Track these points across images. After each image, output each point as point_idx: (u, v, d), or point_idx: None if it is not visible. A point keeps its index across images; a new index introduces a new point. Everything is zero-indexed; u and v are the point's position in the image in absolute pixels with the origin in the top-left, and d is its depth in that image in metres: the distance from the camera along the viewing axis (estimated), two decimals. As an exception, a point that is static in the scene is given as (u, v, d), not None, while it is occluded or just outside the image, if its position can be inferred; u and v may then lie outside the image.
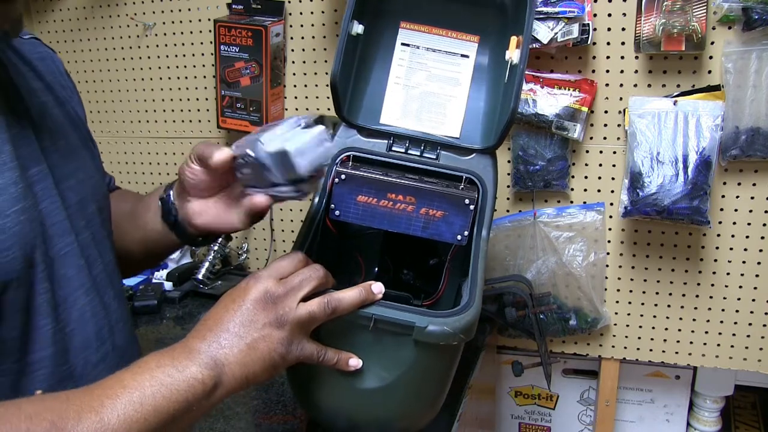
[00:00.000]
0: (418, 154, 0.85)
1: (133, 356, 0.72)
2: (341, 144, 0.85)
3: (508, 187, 1.23)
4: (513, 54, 0.82)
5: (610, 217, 1.19)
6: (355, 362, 0.70)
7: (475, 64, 0.89)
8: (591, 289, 1.20)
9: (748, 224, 1.12)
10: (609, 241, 1.20)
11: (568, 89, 1.12)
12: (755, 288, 1.15)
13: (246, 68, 1.27)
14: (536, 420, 1.44)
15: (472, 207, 0.80)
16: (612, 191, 1.18)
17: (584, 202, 1.20)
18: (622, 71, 1.12)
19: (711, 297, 1.18)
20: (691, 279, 1.18)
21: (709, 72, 1.08)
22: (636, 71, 1.11)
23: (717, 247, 1.15)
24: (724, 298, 1.17)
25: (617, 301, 1.23)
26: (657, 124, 1.06)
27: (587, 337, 1.26)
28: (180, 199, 0.77)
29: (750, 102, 1.04)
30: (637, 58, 1.10)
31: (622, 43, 1.10)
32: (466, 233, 0.81)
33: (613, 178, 1.17)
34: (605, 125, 1.15)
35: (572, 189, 1.20)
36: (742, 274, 1.15)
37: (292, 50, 1.30)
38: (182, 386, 0.57)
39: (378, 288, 0.70)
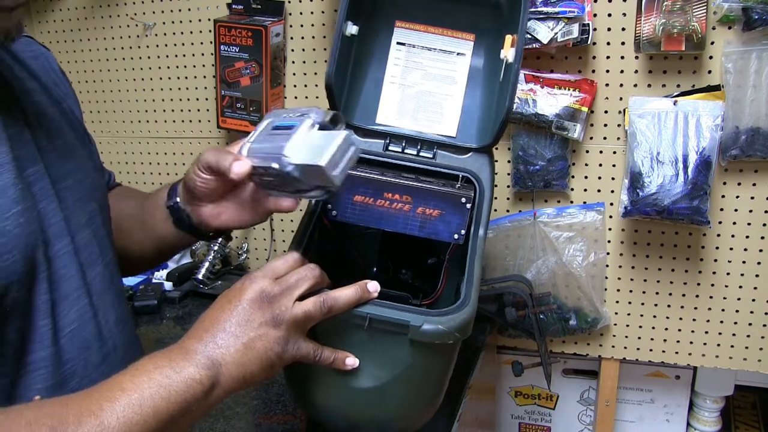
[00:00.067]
0: (415, 153, 0.85)
1: (135, 356, 0.72)
2: None
3: (508, 187, 1.23)
4: (508, 53, 0.82)
5: (610, 217, 1.19)
6: (351, 361, 0.71)
7: (471, 62, 0.89)
8: (591, 289, 1.20)
9: (748, 224, 1.12)
10: (609, 241, 1.20)
11: (568, 89, 1.12)
12: (755, 288, 1.15)
13: (246, 68, 1.26)
14: (536, 420, 1.44)
15: (468, 206, 0.80)
16: (612, 191, 1.18)
17: (584, 202, 1.20)
18: (622, 71, 1.12)
19: (711, 297, 1.18)
20: (691, 279, 1.18)
21: (709, 72, 1.08)
22: (636, 71, 1.11)
23: (717, 247, 1.15)
24: (724, 298, 1.17)
25: (617, 301, 1.23)
26: (657, 124, 1.06)
27: (587, 337, 1.26)
28: (191, 205, 0.78)
29: (750, 102, 1.04)
30: (637, 58, 1.10)
31: (622, 43, 1.10)
32: (463, 232, 0.81)
33: (613, 178, 1.17)
34: (605, 125, 1.15)
35: (572, 189, 1.20)
36: (742, 274, 1.15)
37: (292, 50, 1.30)
38: (180, 387, 0.57)
39: (373, 287, 0.70)
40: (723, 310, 1.18)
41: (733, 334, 1.18)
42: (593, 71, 1.13)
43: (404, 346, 0.69)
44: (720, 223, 1.13)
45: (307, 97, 1.31)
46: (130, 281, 1.34)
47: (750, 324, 1.17)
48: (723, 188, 1.11)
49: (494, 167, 0.86)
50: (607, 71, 1.12)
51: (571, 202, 1.20)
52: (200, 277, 1.33)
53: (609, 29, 1.10)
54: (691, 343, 1.21)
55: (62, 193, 0.66)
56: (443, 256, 0.89)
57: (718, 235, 1.14)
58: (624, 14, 1.09)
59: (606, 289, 1.23)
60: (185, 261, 1.42)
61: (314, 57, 1.29)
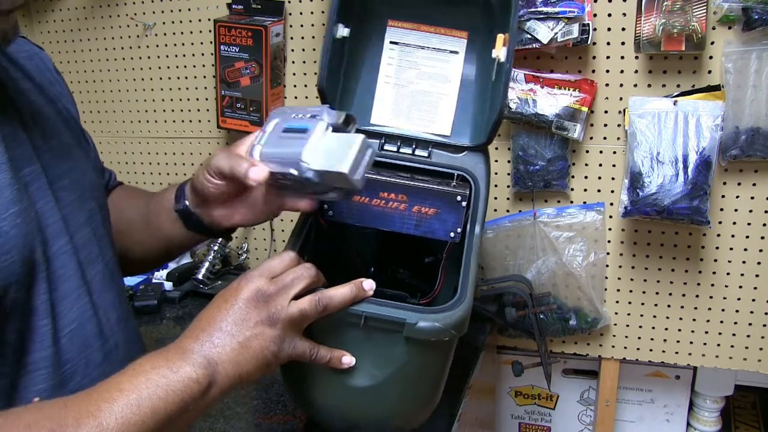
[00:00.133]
0: (410, 152, 0.85)
1: (138, 354, 0.72)
2: None
3: (508, 187, 1.23)
4: (500, 52, 0.81)
5: (610, 217, 1.19)
6: (347, 360, 0.71)
7: (465, 60, 0.89)
8: (591, 289, 1.20)
9: (748, 224, 1.12)
10: (609, 241, 1.20)
11: (568, 89, 1.12)
12: (755, 288, 1.15)
13: (246, 68, 1.27)
14: (536, 420, 1.44)
15: (464, 204, 0.80)
16: (612, 191, 1.18)
17: (584, 202, 1.20)
18: (622, 71, 1.12)
19: (711, 297, 1.18)
20: (691, 279, 1.18)
21: (709, 72, 1.08)
22: (636, 71, 1.11)
23: (717, 247, 1.15)
24: (724, 298, 1.17)
25: (617, 301, 1.23)
26: (657, 124, 1.06)
27: (587, 337, 1.26)
28: (201, 207, 0.78)
29: (750, 102, 1.04)
30: (637, 58, 1.10)
31: (622, 43, 1.10)
32: (459, 230, 0.81)
33: (613, 178, 1.17)
34: (605, 125, 1.15)
35: (572, 189, 1.20)
36: (742, 274, 1.15)
37: (292, 50, 1.30)
38: (178, 387, 0.57)
39: (369, 285, 0.70)
40: (723, 310, 1.18)
41: (733, 334, 1.18)
42: (593, 71, 1.13)
43: (400, 343, 0.69)
44: (720, 223, 1.13)
45: (307, 97, 1.31)
46: (130, 281, 1.34)
47: (750, 324, 1.17)
48: (723, 188, 1.11)
49: (490, 165, 0.86)
50: (607, 71, 1.12)
51: (571, 202, 1.20)
52: (200, 277, 1.33)
53: (609, 29, 1.10)
54: (691, 343, 1.21)
55: (60, 193, 0.66)
56: (440, 254, 0.89)
57: (718, 235, 1.14)
58: (624, 14, 1.09)
59: (606, 289, 1.23)
60: (185, 261, 1.42)
61: (314, 57, 1.29)
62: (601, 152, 1.17)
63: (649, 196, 1.05)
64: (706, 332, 1.20)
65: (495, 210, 1.25)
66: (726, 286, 1.16)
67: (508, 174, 1.22)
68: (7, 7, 0.56)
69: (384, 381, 0.71)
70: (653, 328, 1.22)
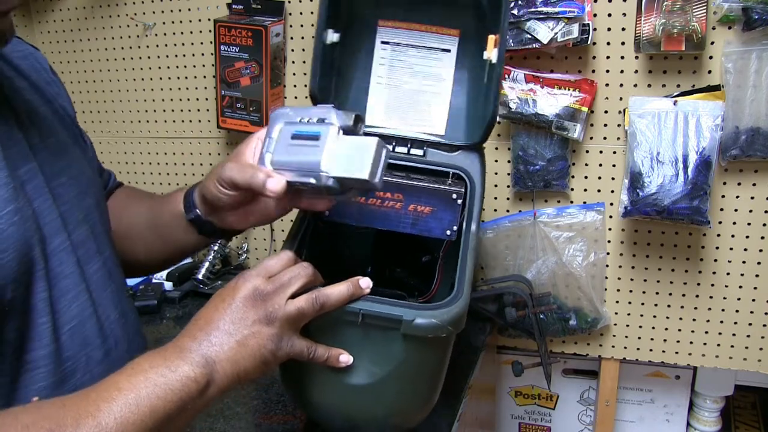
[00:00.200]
0: (405, 151, 0.85)
1: (139, 350, 0.72)
2: None
3: (508, 187, 1.23)
4: (491, 53, 0.81)
5: (610, 217, 1.19)
6: (345, 358, 0.71)
7: (457, 58, 0.88)
8: (591, 289, 1.20)
9: (748, 224, 1.12)
10: (609, 241, 1.20)
11: (568, 89, 1.12)
12: (755, 288, 1.15)
13: (246, 68, 1.26)
14: (536, 420, 1.44)
15: (459, 201, 0.80)
16: (612, 191, 1.18)
17: (584, 202, 1.20)
18: (622, 71, 1.12)
19: (711, 297, 1.18)
20: (691, 279, 1.18)
21: (709, 72, 1.08)
22: (636, 71, 1.11)
23: (717, 247, 1.15)
24: (724, 298, 1.17)
25: (617, 301, 1.23)
26: (657, 124, 1.06)
27: (587, 337, 1.26)
28: (213, 215, 0.79)
29: (750, 102, 1.04)
30: (637, 58, 1.10)
31: (622, 43, 1.10)
32: (455, 228, 0.81)
33: (613, 178, 1.17)
34: (605, 125, 1.15)
35: (572, 189, 1.20)
36: (742, 274, 1.15)
37: (292, 50, 1.30)
38: (176, 385, 0.57)
39: (365, 283, 0.71)
40: (723, 310, 1.17)
41: (733, 334, 1.18)
42: (593, 71, 1.13)
43: (397, 341, 0.70)
44: (720, 223, 1.13)
45: (307, 97, 1.31)
46: (130, 281, 1.33)
47: (750, 324, 1.17)
48: (723, 188, 1.11)
49: (485, 163, 0.86)
50: (607, 71, 1.12)
51: (571, 202, 1.20)
52: (200, 277, 1.33)
53: (609, 29, 1.10)
54: (691, 343, 1.21)
55: (57, 191, 0.66)
56: (437, 253, 0.89)
57: (718, 235, 1.14)
58: (624, 14, 1.09)
59: (606, 289, 1.23)
60: (185, 261, 1.42)
61: (314, 57, 1.29)
62: (601, 152, 1.17)
63: (649, 196, 1.05)
64: (706, 332, 1.20)
65: (495, 210, 1.25)
66: (726, 286, 1.16)
67: (508, 174, 1.22)
68: (4, 8, 0.56)
69: (382, 379, 0.72)
70: (653, 328, 1.22)
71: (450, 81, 0.89)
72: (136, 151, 1.48)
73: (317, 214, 0.82)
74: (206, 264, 1.34)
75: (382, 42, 0.89)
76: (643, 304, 1.22)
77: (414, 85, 0.89)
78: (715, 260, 1.15)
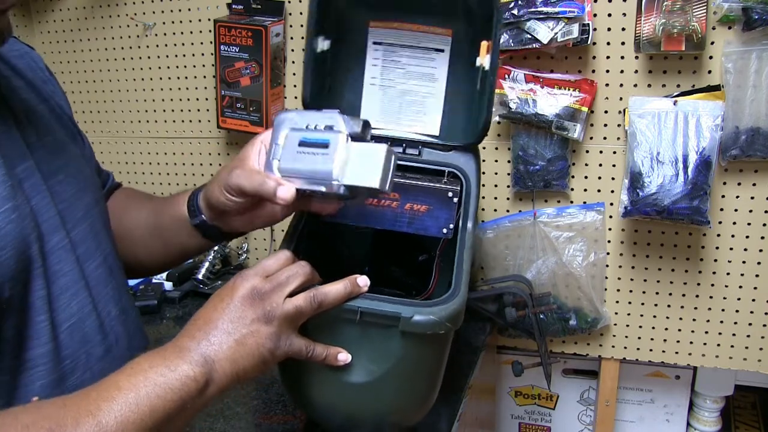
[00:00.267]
0: (401, 151, 0.85)
1: (139, 348, 0.72)
2: None
3: (508, 187, 1.23)
4: (484, 60, 0.81)
5: (610, 217, 1.19)
6: (343, 357, 0.71)
7: (450, 57, 0.87)
8: (591, 289, 1.20)
9: (748, 224, 1.12)
10: (609, 241, 1.20)
11: (568, 89, 1.12)
12: (755, 288, 1.15)
13: (246, 68, 1.27)
14: (536, 420, 1.44)
15: (455, 200, 0.80)
16: (612, 191, 1.18)
17: (584, 202, 1.20)
18: (622, 71, 1.12)
19: (711, 297, 1.18)
20: (691, 279, 1.18)
21: (709, 72, 1.08)
22: (636, 71, 1.11)
23: (717, 247, 1.15)
24: (724, 298, 1.17)
25: (617, 301, 1.23)
26: (657, 124, 1.06)
27: (587, 337, 1.26)
28: (219, 220, 0.79)
29: (750, 102, 1.04)
30: (637, 58, 1.10)
31: (622, 43, 1.10)
32: (451, 226, 0.81)
33: (613, 178, 1.17)
34: (605, 125, 1.15)
35: (572, 189, 1.20)
36: (742, 274, 1.15)
37: (292, 50, 1.30)
38: (176, 385, 0.57)
39: (363, 281, 0.71)
40: (723, 310, 1.17)
41: (733, 334, 1.18)
42: (593, 71, 1.13)
43: (396, 338, 0.70)
44: (720, 223, 1.13)
45: (307, 97, 1.31)
46: (130, 282, 1.33)
47: (750, 324, 1.17)
48: (723, 188, 1.11)
49: (480, 162, 0.86)
50: (607, 71, 1.12)
51: (571, 202, 1.20)
52: (200, 277, 1.33)
53: (609, 29, 1.10)
54: (691, 343, 1.21)
55: (55, 188, 0.66)
56: (434, 252, 0.89)
57: (718, 235, 1.14)
58: (624, 14, 1.09)
59: (606, 289, 1.23)
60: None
61: (314, 57, 1.29)
62: (601, 152, 1.17)
63: (649, 196, 1.05)
64: (706, 332, 1.20)
65: (495, 210, 1.25)
66: (726, 286, 1.16)
67: (508, 174, 1.22)
68: (3, 7, 0.56)
69: (381, 376, 0.72)
70: (653, 328, 1.22)
71: (443, 81, 0.88)
72: (136, 151, 1.48)
73: (315, 214, 0.82)
74: (206, 264, 1.34)
75: (374, 43, 0.89)
76: (643, 304, 1.22)
77: (407, 86, 0.89)
78: (715, 260, 1.15)
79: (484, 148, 1.22)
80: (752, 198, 1.10)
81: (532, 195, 1.21)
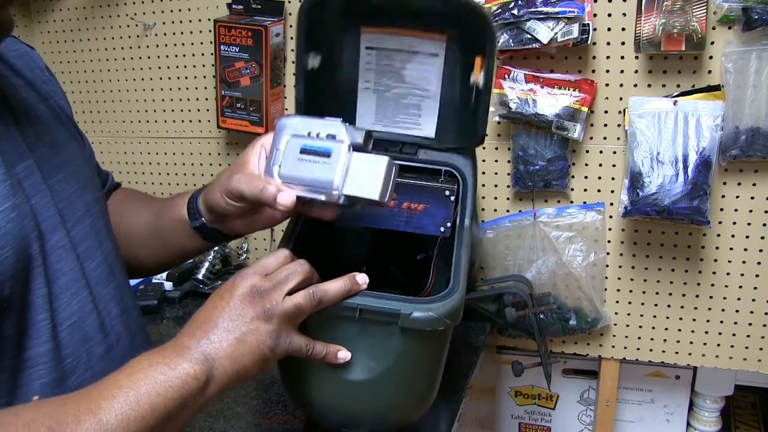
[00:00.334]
0: (398, 151, 0.86)
1: (141, 347, 0.72)
2: None
3: (508, 187, 1.23)
4: (478, 77, 0.81)
5: (610, 217, 1.19)
6: (343, 355, 0.71)
7: (445, 61, 0.87)
8: (591, 289, 1.20)
9: (748, 224, 1.12)
10: (609, 241, 1.20)
11: (568, 89, 1.12)
12: (755, 288, 1.15)
13: (246, 68, 1.27)
14: (536, 420, 1.44)
15: (453, 198, 0.81)
16: (612, 191, 1.18)
17: (584, 202, 1.20)
18: (622, 71, 1.12)
19: (711, 297, 1.18)
20: (691, 279, 1.18)
21: (709, 72, 1.08)
22: (636, 71, 1.11)
23: (717, 247, 1.15)
24: (724, 298, 1.17)
25: (617, 301, 1.23)
26: (657, 124, 1.06)
27: (587, 337, 1.26)
28: (219, 223, 0.79)
29: (750, 102, 1.04)
30: (637, 58, 1.10)
31: (622, 43, 1.10)
32: (449, 225, 0.82)
33: (613, 178, 1.17)
34: (605, 125, 1.15)
35: (572, 189, 1.20)
36: (742, 274, 1.15)
37: (292, 50, 1.30)
38: (176, 383, 0.57)
39: (362, 278, 0.71)
40: (723, 310, 1.18)
41: (733, 334, 1.18)
42: (593, 71, 1.13)
43: (395, 335, 0.70)
44: (720, 223, 1.13)
45: (307, 97, 1.31)
46: (130, 281, 1.33)
47: (750, 324, 1.17)
48: (723, 188, 1.11)
49: (476, 162, 0.86)
50: (607, 71, 1.13)
51: (571, 202, 1.20)
52: (200, 277, 1.33)
53: (609, 29, 1.10)
54: (691, 343, 1.21)
55: (55, 187, 0.66)
56: (432, 251, 0.89)
57: (718, 235, 1.14)
58: (624, 14, 1.09)
59: (606, 289, 1.23)
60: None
61: (314, 57, 1.29)
62: (601, 152, 1.17)
63: (649, 196, 1.05)
64: (706, 332, 1.20)
65: (495, 210, 1.25)
66: (726, 286, 1.16)
67: (508, 174, 1.22)
68: (2, 1, 0.56)
69: (381, 374, 0.72)
70: (653, 328, 1.22)
71: (438, 84, 0.88)
72: (136, 151, 1.48)
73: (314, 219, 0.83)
74: (206, 264, 1.34)
75: (367, 48, 0.88)
76: (643, 304, 1.22)
77: (402, 90, 0.88)
78: (715, 260, 1.15)
79: (483, 148, 1.22)
80: (752, 198, 1.10)
81: (532, 195, 1.21)
